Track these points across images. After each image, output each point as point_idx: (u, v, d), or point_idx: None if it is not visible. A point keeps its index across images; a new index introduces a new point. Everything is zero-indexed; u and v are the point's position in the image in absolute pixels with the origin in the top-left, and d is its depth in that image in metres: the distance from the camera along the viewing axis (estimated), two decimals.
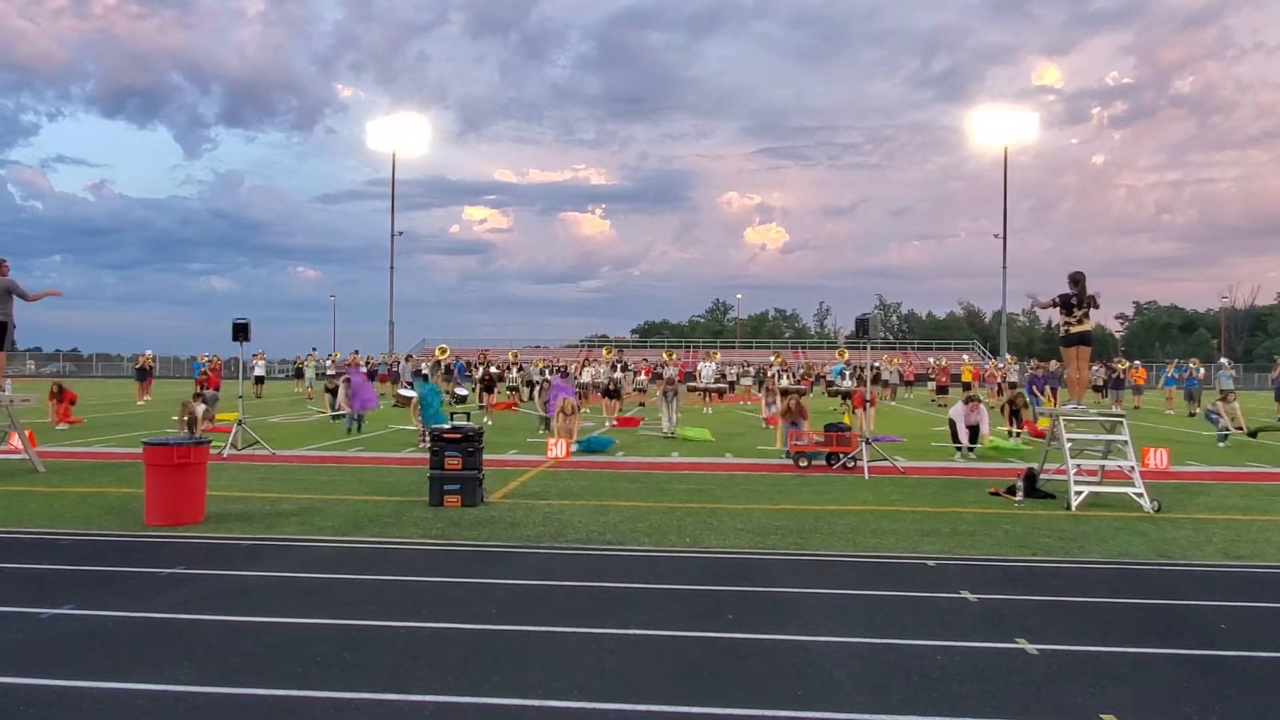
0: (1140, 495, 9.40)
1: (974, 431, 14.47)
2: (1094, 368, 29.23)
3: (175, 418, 18.92)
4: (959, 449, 14.47)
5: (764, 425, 20.20)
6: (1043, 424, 15.39)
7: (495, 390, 22.94)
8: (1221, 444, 17.37)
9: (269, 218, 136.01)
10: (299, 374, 38.12)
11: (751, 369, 34.42)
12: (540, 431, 17.96)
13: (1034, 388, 21.86)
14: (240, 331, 14.36)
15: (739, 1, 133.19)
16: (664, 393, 18.82)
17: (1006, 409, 18.12)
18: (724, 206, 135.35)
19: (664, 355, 22.93)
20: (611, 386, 21.81)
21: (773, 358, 20.49)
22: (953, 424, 14.68)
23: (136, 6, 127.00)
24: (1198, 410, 19.11)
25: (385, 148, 47.79)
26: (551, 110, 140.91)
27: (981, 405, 15.09)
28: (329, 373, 34.45)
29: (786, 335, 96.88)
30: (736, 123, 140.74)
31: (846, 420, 15.54)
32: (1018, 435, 17.59)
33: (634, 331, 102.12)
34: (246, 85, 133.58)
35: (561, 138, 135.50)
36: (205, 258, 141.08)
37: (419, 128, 49.17)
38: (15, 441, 12.22)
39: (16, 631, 4.97)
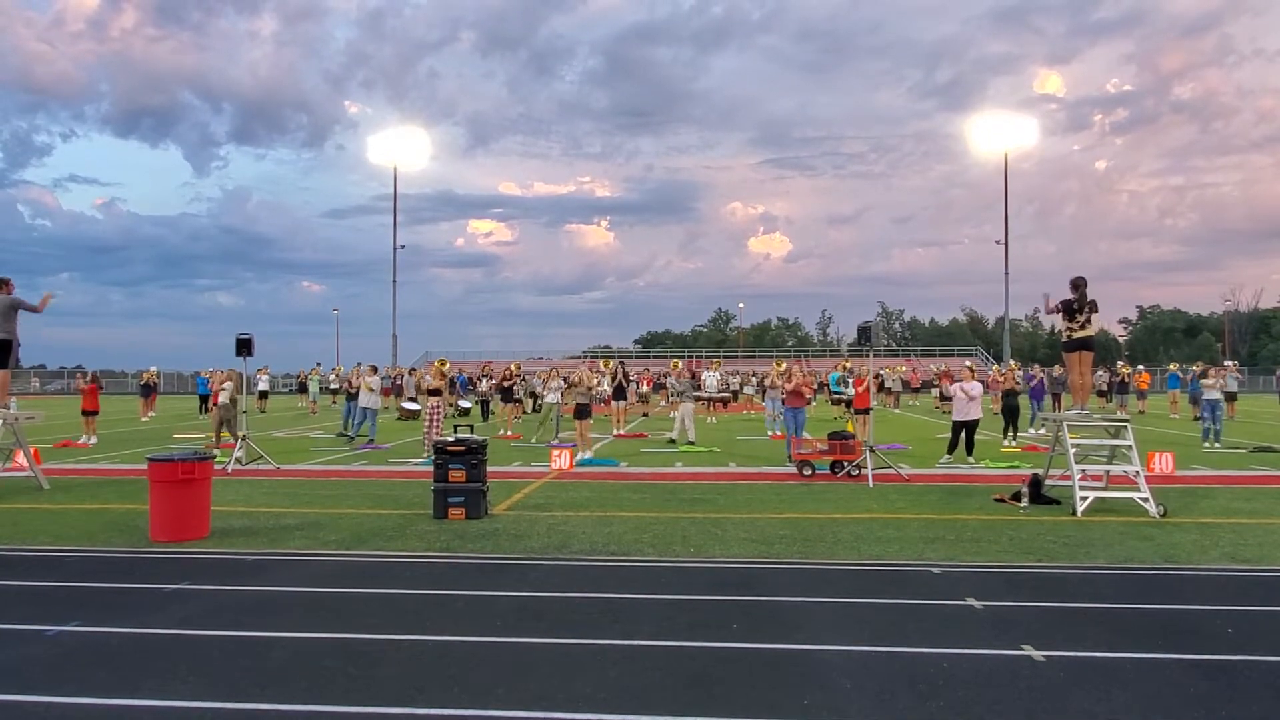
0: (1145, 500, 9.38)
1: (971, 428, 14.42)
2: (1098, 372, 29.16)
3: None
4: (965, 457, 14.44)
5: (769, 438, 20.18)
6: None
7: (509, 399, 22.90)
8: (1206, 444, 17.32)
9: (276, 233, 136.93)
10: (302, 389, 38.16)
11: (754, 378, 34.43)
12: (535, 440, 17.95)
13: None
14: (244, 346, 14.40)
15: (745, 16, 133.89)
16: (681, 394, 18.74)
17: (1001, 405, 18.21)
18: (728, 217, 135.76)
19: (671, 366, 22.93)
20: (619, 385, 21.84)
21: (777, 363, 20.46)
22: (956, 425, 14.60)
23: (153, 29, 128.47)
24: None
25: (387, 162, 47.99)
26: (559, 124, 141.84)
27: (974, 378, 15.26)
28: (333, 387, 34.54)
29: (789, 344, 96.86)
30: (742, 134, 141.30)
31: (850, 428, 15.52)
32: (1014, 441, 17.57)
33: (636, 342, 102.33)
34: (258, 104, 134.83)
35: (568, 151, 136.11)
36: (212, 273, 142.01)
37: (420, 142, 49.36)
38: (20, 459, 12.24)
39: (21, 649, 4.98)
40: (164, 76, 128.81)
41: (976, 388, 14.75)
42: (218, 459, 10.99)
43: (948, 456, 14.44)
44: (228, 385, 17.51)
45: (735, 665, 4.67)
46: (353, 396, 20.33)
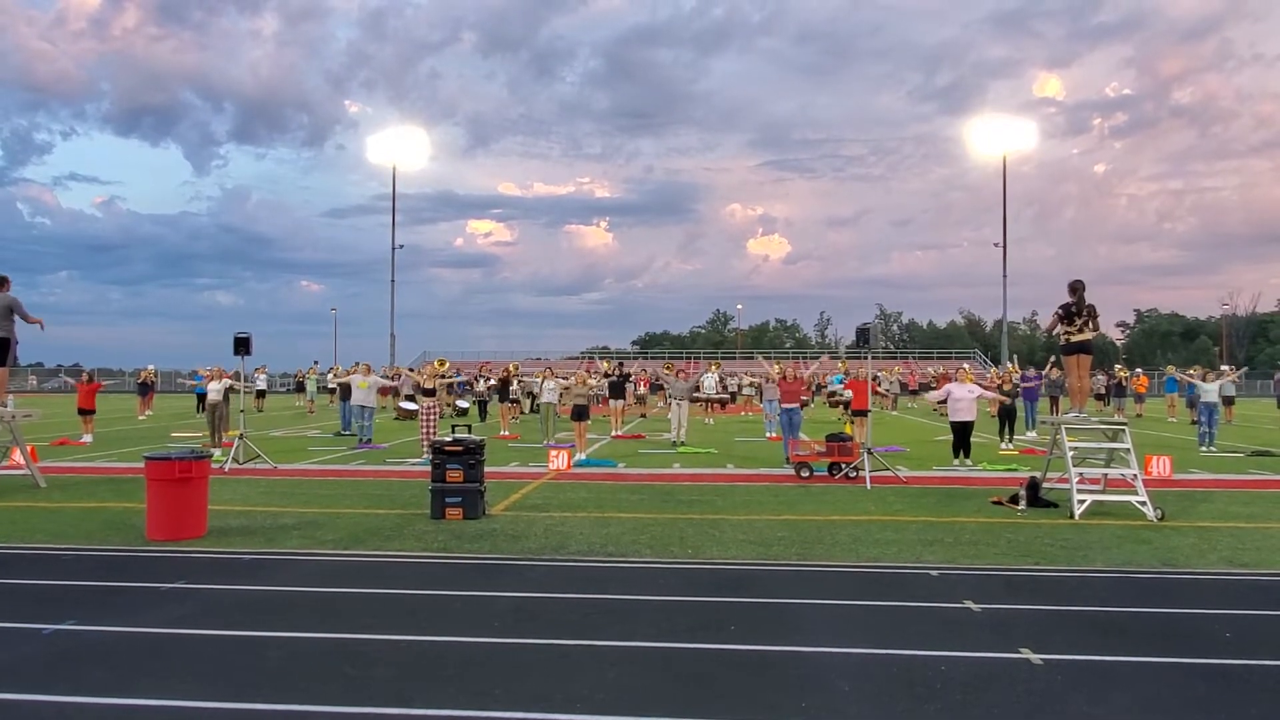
0: (1143, 504, 9.38)
1: (967, 429, 14.44)
2: (1095, 376, 29.17)
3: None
4: (959, 458, 14.45)
5: (767, 439, 20.19)
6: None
7: (507, 398, 22.90)
8: (1203, 449, 17.32)
9: (276, 233, 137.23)
10: (300, 388, 38.12)
11: (753, 379, 34.45)
12: (544, 443, 17.94)
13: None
14: (241, 345, 14.37)
15: (746, 19, 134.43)
16: (677, 398, 18.74)
17: (998, 409, 18.26)
18: (727, 218, 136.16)
19: (665, 367, 22.90)
20: (618, 381, 21.84)
21: (775, 365, 20.44)
22: (954, 427, 14.61)
23: (155, 28, 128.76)
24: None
25: (386, 162, 47.97)
26: (559, 125, 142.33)
27: (971, 380, 15.36)
28: (330, 386, 34.48)
29: (787, 345, 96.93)
30: (742, 136, 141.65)
31: (848, 430, 15.52)
32: (1011, 444, 17.57)
33: (634, 343, 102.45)
34: (259, 103, 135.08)
35: (568, 152, 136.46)
36: (211, 272, 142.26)
37: (420, 142, 49.33)
38: (17, 457, 12.22)
39: (17, 647, 4.96)
40: (165, 75, 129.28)
41: (975, 389, 14.81)
42: (215, 458, 10.98)
43: (960, 458, 14.42)
44: (225, 383, 17.45)
45: (733, 667, 4.66)
46: (348, 396, 20.33)
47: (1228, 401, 26.31)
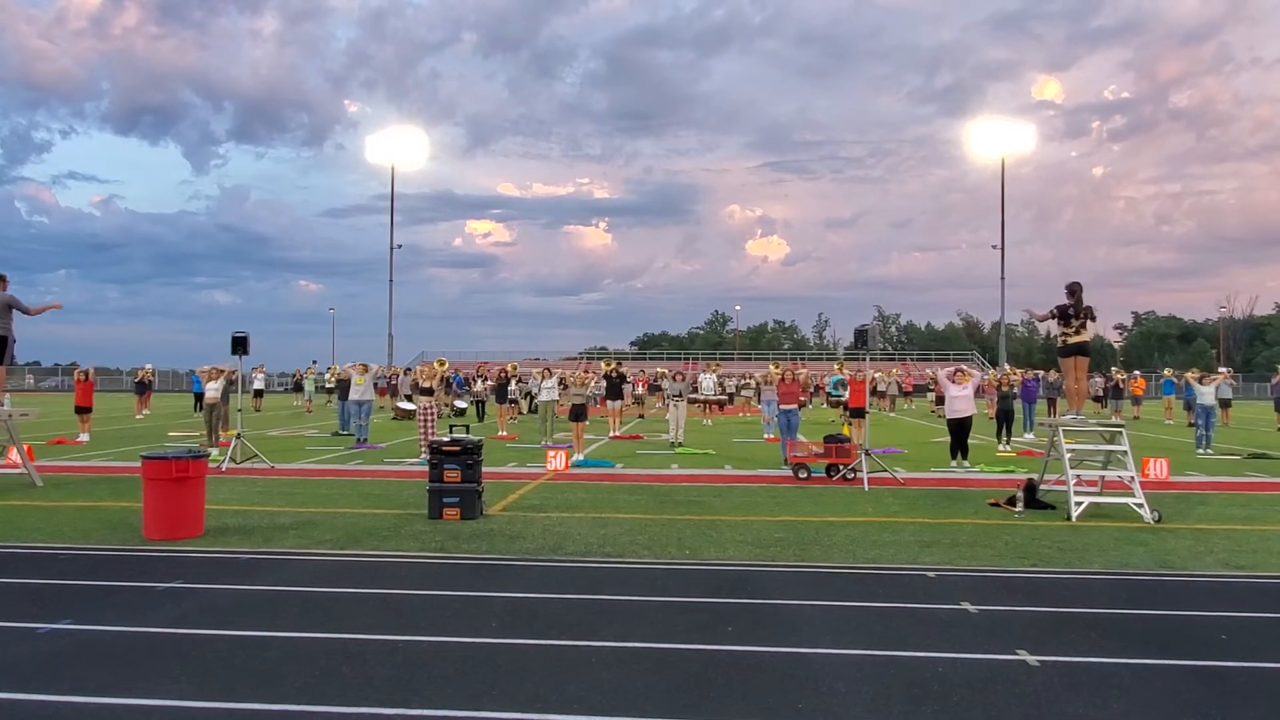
0: (1140, 506, 9.39)
1: (965, 426, 14.46)
2: (1093, 378, 29.20)
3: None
4: (957, 459, 14.46)
5: (765, 440, 20.20)
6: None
7: (505, 399, 22.88)
8: (1200, 451, 17.33)
9: (275, 232, 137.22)
10: (298, 387, 38.10)
11: (753, 380, 34.48)
12: (542, 443, 17.93)
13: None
14: (239, 344, 14.35)
15: (746, 20, 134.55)
16: (674, 398, 18.79)
17: (995, 409, 18.31)
18: (726, 219, 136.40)
19: (660, 370, 22.93)
20: (616, 381, 21.86)
21: (771, 366, 20.46)
22: (952, 425, 14.64)
23: (155, 27, 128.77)
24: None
25: (386, 161, 47.98)
26: (559, 126, 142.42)
27: (968, 375, 15.43)
28: (329, 386, 34.46)
29: (785, 347, 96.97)
30: (741, 137, 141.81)
31: (846, 431, 15.53)
32: (1008, 446, 17.58)
33: (633, 344, 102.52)
34: (259, 103, 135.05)
35: (568, 153, 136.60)
36: (210, 271, 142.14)
37: (419, 142, 49.34)
38: (14, 456, 12.20)
39: (14, 647, 4.95)
40: (165, 74, 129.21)
41: (969, 385, 14.85)
42: (212, 458, 10.96)
43: (958, 459, 14.43)
44: (216, 384, 17.40)
45: (730, 668, 4.66)
46: (346, 395, 20.32)
47: (1224, 404, 26.37)
